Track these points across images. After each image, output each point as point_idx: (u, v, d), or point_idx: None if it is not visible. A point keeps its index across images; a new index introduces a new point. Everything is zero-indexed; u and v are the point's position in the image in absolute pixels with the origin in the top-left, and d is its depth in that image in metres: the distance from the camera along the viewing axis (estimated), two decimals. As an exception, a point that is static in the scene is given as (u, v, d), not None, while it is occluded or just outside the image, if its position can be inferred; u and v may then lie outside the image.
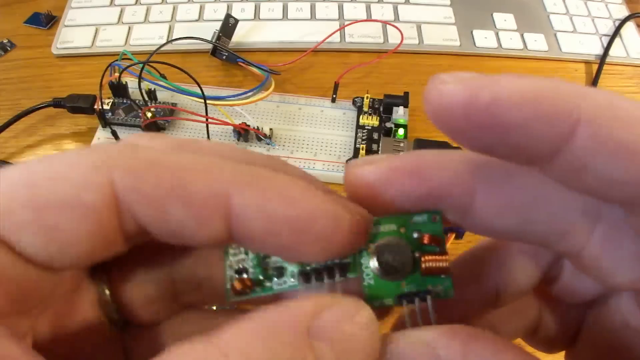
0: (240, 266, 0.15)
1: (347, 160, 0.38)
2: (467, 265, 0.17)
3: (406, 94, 0.41)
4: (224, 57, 0.44)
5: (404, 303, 0.15)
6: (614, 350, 0.16)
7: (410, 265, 0.14)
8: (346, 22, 0.47)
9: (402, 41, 0.45)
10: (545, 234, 0.14)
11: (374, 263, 0.14)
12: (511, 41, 0.48)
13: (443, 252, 0.14)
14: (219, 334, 0.12)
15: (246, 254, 0.15)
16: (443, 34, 0.48)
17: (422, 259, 0.14)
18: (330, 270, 0.14)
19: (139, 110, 0.39)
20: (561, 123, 0.11)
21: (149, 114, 0.38)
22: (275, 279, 0.15)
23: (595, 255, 0.14)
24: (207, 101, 0.35)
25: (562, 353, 0.19)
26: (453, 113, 0.12)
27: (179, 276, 0.16)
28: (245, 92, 0.40)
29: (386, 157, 0.14)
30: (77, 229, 0.12)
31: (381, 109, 0.41)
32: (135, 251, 0.15)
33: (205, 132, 0.38)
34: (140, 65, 0.35)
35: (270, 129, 0.39)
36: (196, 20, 0.48)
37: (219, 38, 0.44)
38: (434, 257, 0.14)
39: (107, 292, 0.15)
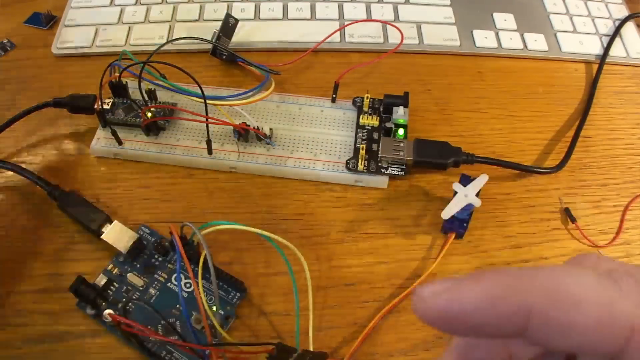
0: None
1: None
2: None
3: (406, 94, 0.41)
4: (224, 57, 0.44)
5: None
6: None
7: None
8: (346, 22, 0.47)
9: (402, 41, 0.45)
10: None
11: None
12: (511, 41, 0.48)
13: None
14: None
15: None
16: (443, 34, 0.48)
17: None
18: None
19: (139, 110, 0.39)
20: (510, 326, 0.15)
21: (149, 114, 0.38)
22: None
23: None
24: (207, 101, 0.35)
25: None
26: (429, 322, 0.16)
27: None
28: (245, 92, 0.40)
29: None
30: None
31: (381, 109, 0.41)
32: None
33: (206, 132, 0.38)
34: (140, 65, 0.34)
35: (270, 129, 0.39)
36: (196, 20, 0.48)
37: (219, 38, 0.44)
38: None
39: None
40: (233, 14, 0.45)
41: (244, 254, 0.35)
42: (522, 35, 0.48)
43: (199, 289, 0.29)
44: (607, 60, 0.47)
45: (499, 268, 0.16)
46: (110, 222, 0.34)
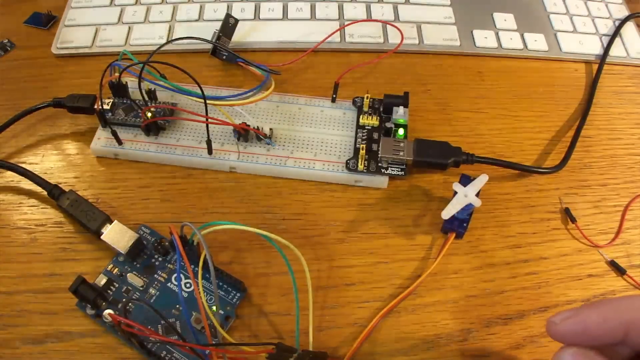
0: None
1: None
2: None
3: (406, 94, 0.41)
4: (224, 57, 0.44)
5: None
6: None
7: None
8: (346, 22, 0.47)
9: (402, 41, 0.45)
10: None
11: None
12: (511, 41, 0.48)
13: None
14: None
15: None
16: (443, 34, 0.48)
17: None
18: None
19: (139, 110, 0.39)
20: (616, 335, 0.23)
21: (149, 114, 0.38)
22: None
23: None
24: (207, 101, 0.35)
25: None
26: (561, 339, 0.25)
27: None
28: (245, 92, 0.40)
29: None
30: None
31: (381, 109, 0.41)
32: None
33: (206, 132, 0.38)
34: (140, 65, 0.34)
35: (270, 129, 0.39)
36: (196, 20, 0.48)
37: (219, 38, 0.44)
38: None
39: None
40: (233, 14, 0.45)
41: (244, 254, 0.35)
42: (522, 35, 0.48)
43: (199, 289, 0.29)
44: (607, 60, 0.47)
45: (603, 299, 0.25)
46: (110, 222, 0.34)
